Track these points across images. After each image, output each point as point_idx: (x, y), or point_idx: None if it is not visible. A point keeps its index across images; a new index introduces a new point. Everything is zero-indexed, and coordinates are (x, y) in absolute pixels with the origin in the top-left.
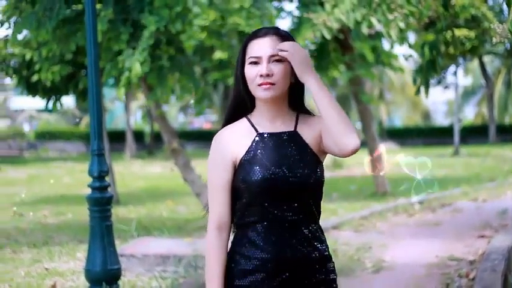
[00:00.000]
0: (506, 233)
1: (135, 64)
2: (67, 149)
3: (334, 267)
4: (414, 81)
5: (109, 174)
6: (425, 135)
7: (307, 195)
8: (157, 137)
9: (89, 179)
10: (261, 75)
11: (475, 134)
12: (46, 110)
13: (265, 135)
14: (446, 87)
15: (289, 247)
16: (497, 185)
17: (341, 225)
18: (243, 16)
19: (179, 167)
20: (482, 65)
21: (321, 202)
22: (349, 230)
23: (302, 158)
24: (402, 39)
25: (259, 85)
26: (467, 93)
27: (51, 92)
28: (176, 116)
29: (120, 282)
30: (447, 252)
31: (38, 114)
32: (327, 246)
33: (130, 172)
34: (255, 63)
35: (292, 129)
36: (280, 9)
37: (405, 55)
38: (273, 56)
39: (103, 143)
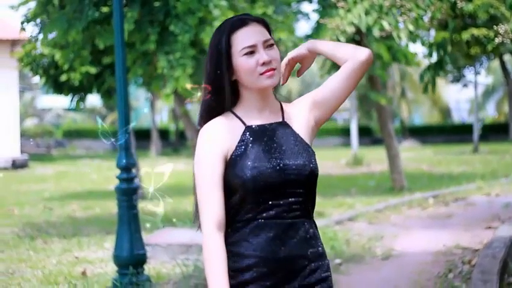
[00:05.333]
0: (511, 224)
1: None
2: (94, 147)
3: (329, 264)
4: (421, 78)
5: (135, 166)
6: (446, 132)
7: (304, 189)
8: (182, 135)
9: (116, 177)
10: (264, 63)
11: (496, 131)
12: (73, 108)
13: (254, 128)
14: (465, 85)
15: (284, 246)
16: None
17: (356, 217)
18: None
19: None
20: (502, 64)
21: (316, 197)
22: (363, 222)
23: (295, 149)
24: (416, 38)
25: (262, 74)
26: (490, 91)
27: (77, 90)
28: None
29: (146, 267)
30: (454, 242)
31: (65, 113)
32: (321, 243)
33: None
34: (251, 52)
35: (281, 119)
36: (297, 12)
37: (424, 54)
38: (266, 41)
39: (129, 138)
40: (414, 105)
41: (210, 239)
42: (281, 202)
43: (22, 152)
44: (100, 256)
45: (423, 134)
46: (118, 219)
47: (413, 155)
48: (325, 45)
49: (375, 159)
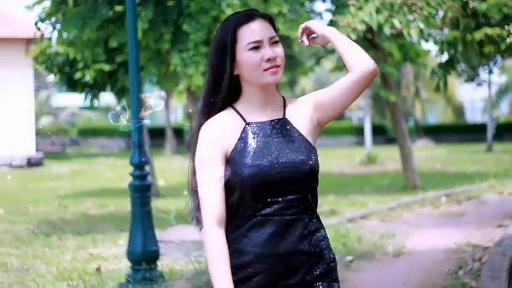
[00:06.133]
0: None
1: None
2: (109, 145)
3: (334, 256)
4: (432, 73)
5: (148, 164)
6: (460, 132)
7: (303, 185)
8: None
9: (129, 174)
10: (268, 59)
11: (510, 130)
12: (88, 107)
13: (254, 125)
14: (479, 84)
15: (283, 242)
16: None
17: (369, 215)
18: (281, 21)
19: None
20: None
21: (317, 192)
22: (376, 220)
23: (294, 146)
24: (428, 36)
25: (266, 70)
26: (504, 90)
27: (90, 88)
28: None
29: (159, 264)
30: (465, 239)
31: (80, 112)
32: (325, 236)
33: (170, 167)
34: (256, 48)
35: (281, 116)
36: (310, 11)
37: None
38: (271, 38)
39: (142, 136)
40: (428, 104)
41: (212, 234)
42: (280, 199)
43: (37, 150)
44: (114, 253)
45: (438, 133)
46: (131, 215)
47: (427, 154)
48: (339, 41)
49: (389, 158)
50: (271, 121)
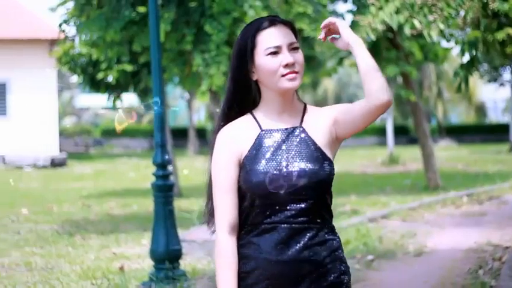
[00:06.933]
0: None
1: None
2: (131, 146)
3: (346, 269)
4: (455, 75)
5: (171, 163)
6: (482, 132)
7: (312, 195)
8: None
9: (152, 173)
10: (287, 65)
11: None
12: (111, 107)
13: (269, 132)
14: (501, 84)
15: (289, 250)
16: None
17: (390, 215)
18: (305, 22)
19: None
20: None
21: (331, 200)
22: (397, 220)
23: (307, 155)
24: (450, 36)
25: (284, 75)
26: None
27: (114, 89)
28: None
29: (182, 263)
30: (486, 239)
31: (103, 112)
32: (337, 247)
33: (193, 168)
34: (275, 53)
35: (298, 124)
36: (332, 12)
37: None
38: (291, 44)
39: (165, 136)
40: (450, 104)
41: (222, 240)
42: (288, 207)
43: (61, 150)
44: (137, 252)
45: (460, 133)
46: (154, 215)
47: (449, 154)
48: (360, 54)
49: (411, 158)
50: (286, 129)
